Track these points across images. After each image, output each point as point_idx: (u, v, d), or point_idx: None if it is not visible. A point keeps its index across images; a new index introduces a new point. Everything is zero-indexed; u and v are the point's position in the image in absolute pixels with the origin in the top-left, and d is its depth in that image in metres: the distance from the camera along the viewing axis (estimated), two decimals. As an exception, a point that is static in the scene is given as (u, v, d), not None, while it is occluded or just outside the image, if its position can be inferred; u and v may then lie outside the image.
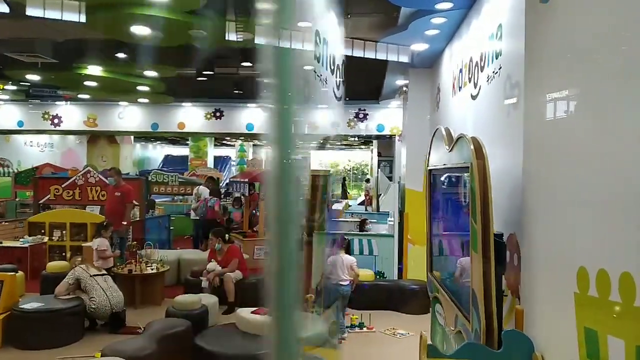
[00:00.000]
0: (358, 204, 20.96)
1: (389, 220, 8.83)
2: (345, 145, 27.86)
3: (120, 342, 4.65)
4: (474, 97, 4.99)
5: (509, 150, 3.05)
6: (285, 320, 1.46)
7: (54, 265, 7.34)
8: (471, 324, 2.52)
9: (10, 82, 11.13)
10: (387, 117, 13.06)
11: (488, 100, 4.41)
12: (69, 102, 13.76)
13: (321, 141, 21.63)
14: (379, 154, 14.92)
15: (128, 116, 13.96)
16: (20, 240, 8.77)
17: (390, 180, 14.06)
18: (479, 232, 2.39)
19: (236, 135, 17.54)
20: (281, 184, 1.48)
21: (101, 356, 4.25)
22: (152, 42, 6.84)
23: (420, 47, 6.76)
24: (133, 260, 7.25)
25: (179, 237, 12.55)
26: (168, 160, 27.18)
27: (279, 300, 1.49)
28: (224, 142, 25.92)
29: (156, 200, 13.59)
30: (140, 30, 6.19)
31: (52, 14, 5.83)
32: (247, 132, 13.85)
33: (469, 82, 5.21)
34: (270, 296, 1.52)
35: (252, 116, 13.74)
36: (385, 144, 14.62)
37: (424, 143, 7.85)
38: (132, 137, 18.17)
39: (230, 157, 27.79)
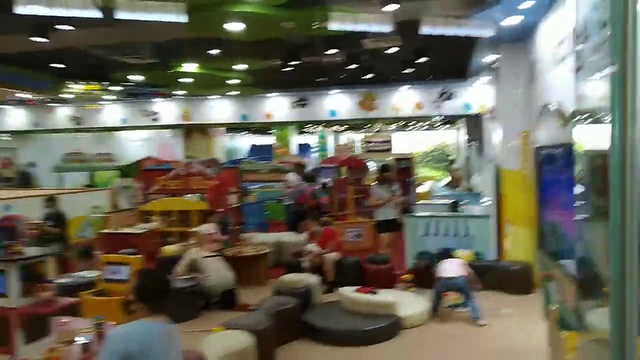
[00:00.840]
0: (443, 186, 20.57)
1: (484, 201, 8.66)
2: (428, 125, 27.32)
3: (239, 317, 5.07)
4: (576, 70, 4.78)
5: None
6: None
7: (167, 249, 8.03)
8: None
9: (115, 84, 12.15)
10: (474, 95, 12.69)
11: (593, 72, 4.22)
12: (165, 99, 14.76)
13: (402, 123, 21.21)
14: (467, 134, 14.53)
15: (219, 109, 14.73)
16: (135, 227, 9.65)
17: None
18: (600, 208, 2.36)
19: (320, 122, 17.86)
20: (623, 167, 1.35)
21: (225, 329, 4.66)
22: (244, 37, 7.17)
23: (513, 20, 6.52)
24: (238, 243, 7.76)
25: (273, 222, 13.14)
26: (254, 149, 28.24)
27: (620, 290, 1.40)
28: (304, 130, 26.45)
29: (249, 188, 14.29)
30: (234, 26, 6.54)
31: (152, 17, 6.31)
32: (331, 118, 14.09)
33: (571, 54, 4.98)
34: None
35: (335, 103, 13.95)
36: (473, 123, 14.21)
37: (519, 120, 7.65)
38: (223, 129, 19.13)
39: (309, 145, 28.37)
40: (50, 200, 8.10)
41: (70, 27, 6.59)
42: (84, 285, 5.97)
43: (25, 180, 17.06)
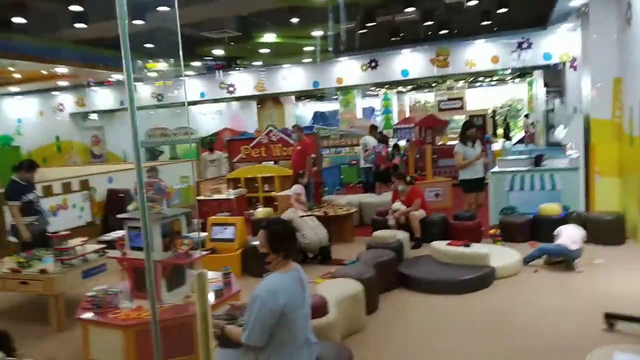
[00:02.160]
0: (516, 142, 19.98)
1: (571, 153, 8.47)
2: (497, 80, 26.30)
3: (343, 268, 5.45)
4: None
5: None
6: None
7: (260, 212, 8.56)
8: None
9: (196, 59, 12.74)
10: (554, 43, 12.11)
11: None
12: (239, 70, 15.25)
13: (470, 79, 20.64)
14: (545, 85, 13.95)
15: (291, 77, 15.05)
16: (226, 193, 10.32)
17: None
18: None
19: (392, 84, 17.76)
20: None
21: (332, 278, 5.05)
22: (325, 4, 7.31)
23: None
24: (326, 204, 8.15)
25: (347, 185, 13.53)
26: (317, 116, 28.57)
27: None
28: (368, 92, 26.29)
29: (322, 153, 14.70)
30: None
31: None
32: (402, 78, 14.00)
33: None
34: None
35: (407, 62, 13.82)
36: (552, 73, 13.61)
37: (612, 66, 7.36)
38: (293, 97, 19.51)
39: (374, 108, 28.24)
40: (151, 170, 8.82)
41: (167, 8, 7.04)
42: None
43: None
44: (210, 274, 4.73)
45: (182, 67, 13.81)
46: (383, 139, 11.68)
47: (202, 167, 11.97)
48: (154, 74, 14.22)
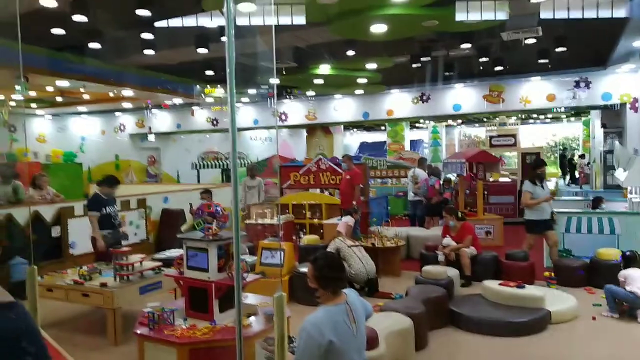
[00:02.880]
0: (568, 183, 19.32)
1: (631, 197, 8.14)
2: (551, 118, 25.69)
3: (392, 302, 5.40)
4: None
5: None
6: None
7: (308, 239, 8.62)
8: None
9: (253, 87, 13.19)
10: (614, 83, 11.81)
11: None
12: (292, 99, 15.65)
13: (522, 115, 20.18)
14: (604, 126, 13.53)
15: (342, 108, 15.29)
16: (275, 218, 10.47)
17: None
18: None
19: (443, 118, 17.72)
20: None
21: (381, 311, 5.01)
22: (384, 38, 7.45)
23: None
24: (374, 235, 8.12)
25: (393, 217, 13.43)
26: (364, 146, 28.69)
27: None
28: (417, 125, 26.24)
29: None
30: (378, 28, 6.85)
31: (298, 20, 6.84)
32: (454, 112, 13.94)
33: None
34: None
35: (459, 97, 13.77)
36: (611, 114, 13.20)
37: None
38: (342, 127, 19.76)
39: (422, 140, 28.09)
40: (206, 192, 9.10)
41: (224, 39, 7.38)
42: (243, 268, 6.71)
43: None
44: (261, 298, 4.81)
45: (239, 94, 14.23)
46: (435, 172, 11.61)
47: (242, 193, 12.15)
48: (211, 100, 14.78)
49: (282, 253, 6.70)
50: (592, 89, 12.12)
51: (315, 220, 10.20)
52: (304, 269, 6.64)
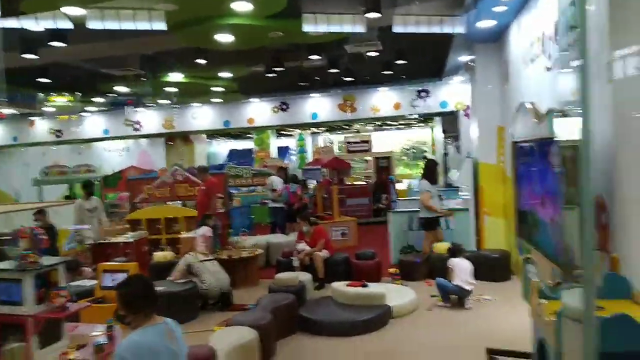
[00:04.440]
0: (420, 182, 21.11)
1: (462, 195, 9.06)
2: (403, 124, 27.90)
3: (241, 314, 5.31)
4: (548, 69, 5.18)
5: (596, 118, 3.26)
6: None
7: (159, 256, 8.18)
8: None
9: (98, 95, 12.22)
10: (450, 93, 13.15)
11: (564, 71, 4.61)
12: (147, 108, 14.84)
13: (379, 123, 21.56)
14: (444, 131, 15.01)
15: (201, 116, 14.88)
16: (125, 236, 9.76)
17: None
18: (576, 195, 2.71)
19: (302, 126, 18.15)
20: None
21: (226, 326, 4.89)
22: (232, 47, 7.39)
23: (487, 23, 6.92)
24: (230, 247, 7.98)
25: (257, 225, 13.41)
26: (233, 154, 28.33)
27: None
28: (283, 132, 26.67)
29: (232, 192, 14.50)
30: (223, 38, 6.76)
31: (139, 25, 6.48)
32: (312, 121, 14.38)
33: (543, 54, 5.38)
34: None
35: (316, 106, 14.25)
36: (449, 120, 14.70)
37: (496, 116, 8.08)
38: (204, 135, 19.23)
39: (289, 147, 28.62)
40: (40, 212, 8.16)
41: (62, 44, 6.71)
42: (81, 294, 6.11)
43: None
44: (91, 328, 4.40)
45: (84, 103, 13.10)
46: (295, 179, 11.83)
47: (77, 217, 9.30)
48: (52, 109, 13.39)
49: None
50: (432, 98, 13.35)
51: (175, 235, 9.72)
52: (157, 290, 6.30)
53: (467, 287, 6.06)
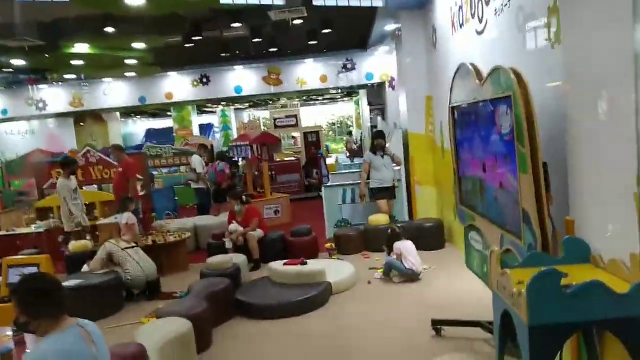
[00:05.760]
0: (346, 157, 21.22)
1: (393, 166, 9.05)
2: (329, 98, 27.80)
3: (171, 303, 4.90)
4: (479, 33, 5.11)
5: (533, 80, 3.16)
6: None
7: (76, 245, 7.44)
8: (523, 240, 2.76)
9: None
10: (375, 64, 13.08)
11: (497, 34, 4.54)
12: (51, 85, 13.45)
13: (304, 97, 21.41)
14: (369, 103, 15.01)
15: (114, 92, 13.74)
16: (33, 225, 8.82)
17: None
18: (528, 156, 2.59)
19: (225, 100, 17.41)
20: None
21: (157, 317, 4.47)
22: (141, 12, 6.71)
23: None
24: (154, 231, 7.41)
25: (183, 207, 12.75)
26: (150, 133, 26.83)
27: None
28: (205, 109, 25.61)
29: (153, 173, 13.63)
30: (132, 0, 6.08)
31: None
32: (236, 95, 13.78)
33: (472, 17, 5.30)
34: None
35: (240, 79, 13.63)
36: (375, 92, 14.69)
37: (423, 85, 8.05)
38: (117, 114, 17.89)
39: (212, 124, 27.59)
40: None
41: None
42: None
43: None
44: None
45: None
46: (222, 157, 11.26)
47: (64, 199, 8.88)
48: None
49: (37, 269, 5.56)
50: (357, 70, 13.22)
51: (92, 222, 8.90)
52: (70, 283, 5.68)
53: (420, 268, 5.91)
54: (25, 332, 2.23)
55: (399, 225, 6.60)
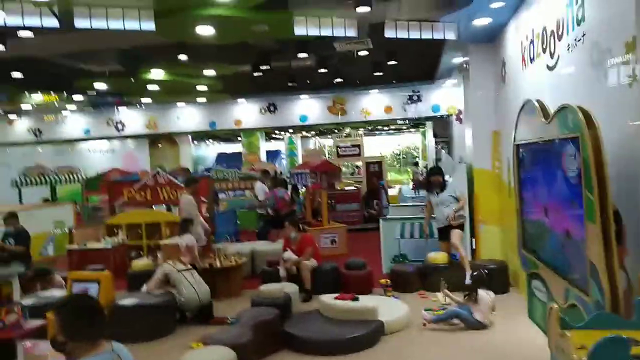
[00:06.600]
0: (411, 189, 20.78)
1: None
2: (394, 129, 27.62)
3: (218, 331, 4.88)
4: (550, 68, 4.84)
5: (609, 119, 2.90)
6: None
7: (138, 264, 7.72)
8: (590, 296, 2.48)
9: (77, 93, 11.71)
10: (442, 96, 12.86)
11: (570, 70, 4.27)
12: (129, 107, 14.35)
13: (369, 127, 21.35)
14: (435, 135, 14.71)
15: (186, 116, 14.42)
16: (103, 241, 9.27)
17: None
18: (596, 204, 2.34)
19: (291, 128, 17.76)
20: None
21: (203, 345, 4.47)
22: (214, 41, 6.99)
23: (483, 21, 6.59)
24: (212, 255, 7.53)
25: (245, 231, 12.93)
26: (221, 157, 27.82)
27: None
28: (273, 136, 26.27)
29: (219, 196, 14.00)
30: (204, 30, 6.35)
31: (112, 24, 6.06)
32: (301, 123, 14.01)
33: (543, 52, 5.04)
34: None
35: (305, 108, 13.86)
36: (441, 124, 14.40)
37: (491, 120, 7.74)
38: (190, 137, 18.74)
39: (280, 151, 28.18)
40: (10, 217, 7.66)
41: (29, 34, 6.26)
42: (50, 306, 5.63)
43: None
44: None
45: (62, 101, 12.58)
46: (282, 183, 11.35)
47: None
48: (30, 107, 12.85)
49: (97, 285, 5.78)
50: (424, 102, 13.04)
51: (155, 241, 9.22)
52: (126, 302, 5.85)
53: (487, 323, 5.48)
54: (58, 352, 2.22)
55: (486, 271, 6.01)
